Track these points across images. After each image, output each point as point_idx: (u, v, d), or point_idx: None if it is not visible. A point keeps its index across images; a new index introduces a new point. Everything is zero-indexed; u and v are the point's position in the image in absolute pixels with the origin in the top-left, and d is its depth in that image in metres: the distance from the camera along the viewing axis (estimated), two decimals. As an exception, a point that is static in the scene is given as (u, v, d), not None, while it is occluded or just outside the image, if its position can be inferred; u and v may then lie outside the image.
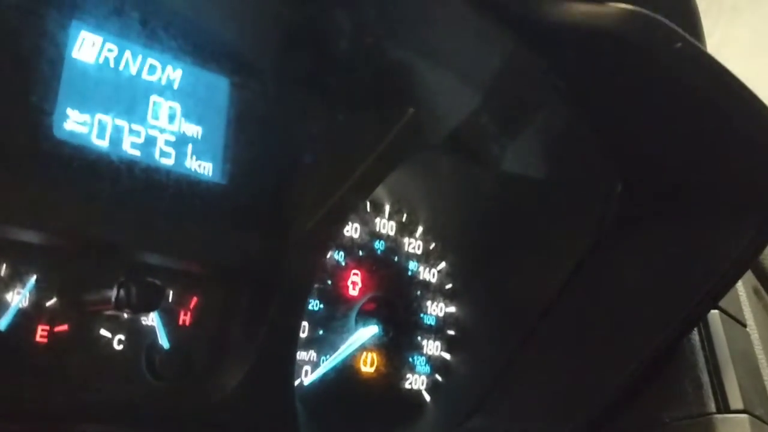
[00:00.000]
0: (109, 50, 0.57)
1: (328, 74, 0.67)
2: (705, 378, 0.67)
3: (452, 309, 0.84)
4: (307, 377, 0.71)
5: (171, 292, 0.62)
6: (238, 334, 0.63)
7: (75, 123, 0.55)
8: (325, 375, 0.72)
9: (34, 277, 0.55)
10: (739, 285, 0.77)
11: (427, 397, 0.81)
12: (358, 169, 0.64)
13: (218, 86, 0.63)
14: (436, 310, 0.84)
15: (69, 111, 0.54)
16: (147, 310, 0.56)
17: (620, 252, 0.73)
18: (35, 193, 0.52)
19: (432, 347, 0.83)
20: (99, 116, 0.56)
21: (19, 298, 0.54)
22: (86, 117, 0.55)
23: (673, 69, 0.56)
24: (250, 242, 0.61)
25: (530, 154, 0.74)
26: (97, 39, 0.57)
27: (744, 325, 0.74)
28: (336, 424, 0.74)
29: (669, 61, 0.55)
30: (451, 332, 0.84)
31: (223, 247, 0.61)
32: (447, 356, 0.83)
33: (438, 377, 0.83)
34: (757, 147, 0.59)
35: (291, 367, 0.64)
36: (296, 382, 0.70)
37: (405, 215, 0.82)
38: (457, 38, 0.61)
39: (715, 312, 0.71)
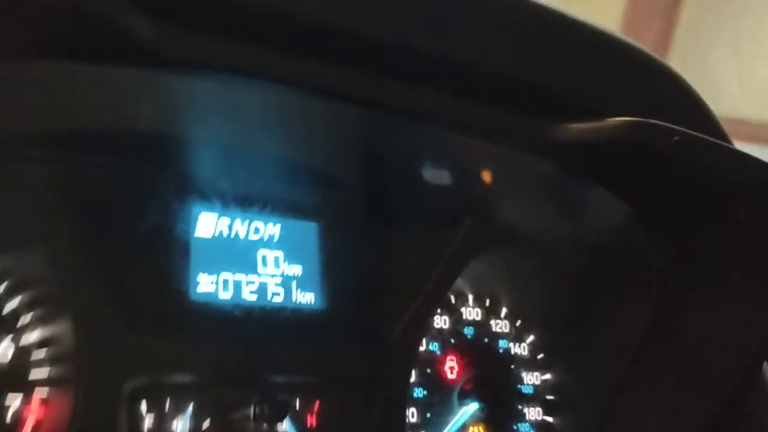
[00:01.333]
0: (222, 223, 0.74)
1: (396, 201, 0.81)
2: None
3: (548, 376, 0.94)
4: (422, 457, 0.83)
5: (298, 401, 0.76)
6: (356, 430, 0.76)
7: (204, 285, 0.71)
8: (437, 453, 0.84)
9: (191, 406, 0.71)
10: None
11: (537, 459, 0.91)
12: (430, 280, 0.77)
13: (309, 231, 0.78)
14: (532, 379, 0.93)
15: (199, 277, 0.71)
16: (278, 420, 0.70)
17: (685, 307, 0.81)
18: (183, 346, 0.68)
19: (534, 413, 0.92)
20: (222, 275, 0.72)
21: (182, 424, 0.70)
22: (213, 278, 0.72)
23: (680, 158, 0.65)
24: (352, 354, 0.75)
25: (586, 236, 0.84)
26: (213, 216, 0.73)
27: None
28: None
29: (675, 152, 0.64)
30: (550, 397, 0.93)
31: (332, 361, 0.75)
32: (549, 419, 0.92)
33: (544, 440, 0.92)
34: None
35: (403, 452, 0.76)
36: (412, 463, 0.82)
37: (488, 300, 0.93)
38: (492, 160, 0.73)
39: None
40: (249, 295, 0.73)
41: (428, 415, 0.84)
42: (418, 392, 0.84)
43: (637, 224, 0.79)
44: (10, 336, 0.66)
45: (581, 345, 0.91)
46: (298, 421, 0.75)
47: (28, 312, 0.68)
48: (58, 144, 0.68)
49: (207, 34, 0.51)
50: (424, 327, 0.79)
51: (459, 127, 0.63)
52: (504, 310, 0.94)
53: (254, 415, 0.70)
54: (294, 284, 0.76)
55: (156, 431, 0.69)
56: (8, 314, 0.67)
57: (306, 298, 0.76)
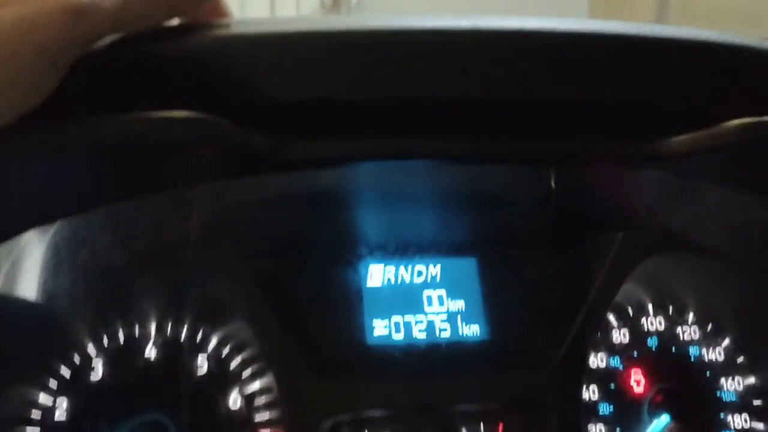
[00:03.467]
0: (389, 271, 0.84)
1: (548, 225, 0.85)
2: None
3: (752, 380, 0.89)
4: (614, 471, 0.84)
5: (482, 425, 0.82)
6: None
7: (379, 329, 0.82)
8: (631, 466, 0.84)
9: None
10: None
11: (749, 468, 0.86)
12: (589, 296, 0.79)
13: (469, 267, 0.85)
14: (733, 385, 0.89)
15: (374, 322, 0.82)
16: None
17: None
18: (368, 384, 0.79)
19: (739, 421, 0.88)
20: (393, 318, 0.82)
21: (380, 453, 0.81)
22: (385, 322, 0.82)
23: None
24: (522, 378, 0.80)
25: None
26: (380, 267, 0.84)
27: None
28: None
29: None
30: (757, 402, 0.88)
31: (505, 387, 0.80)
32: (759, 425, 0.87)
33: (755, 446, 0.87)
34: None
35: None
36: (606, 477, 0.84)
37: (670, 307, 0.91)
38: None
39: None
40: (419, 334, 0.82)
41: (617, 430, 0.85)
42: (604, 408, 0.86)
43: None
44: (237, 387, 0.83)
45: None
46: (486, 443, 0.82)
47: (248, 367, 0.83)
48: (258, 250, 0.83)
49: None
50: (588, 343, 0.81)
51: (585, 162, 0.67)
52: (691, 316, 0.91)
53: (436, 441, 0.78)
54: (459, 318, 0.83)
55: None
56: (235, 369, 0.84)
57: (471, 330, 0.83)
